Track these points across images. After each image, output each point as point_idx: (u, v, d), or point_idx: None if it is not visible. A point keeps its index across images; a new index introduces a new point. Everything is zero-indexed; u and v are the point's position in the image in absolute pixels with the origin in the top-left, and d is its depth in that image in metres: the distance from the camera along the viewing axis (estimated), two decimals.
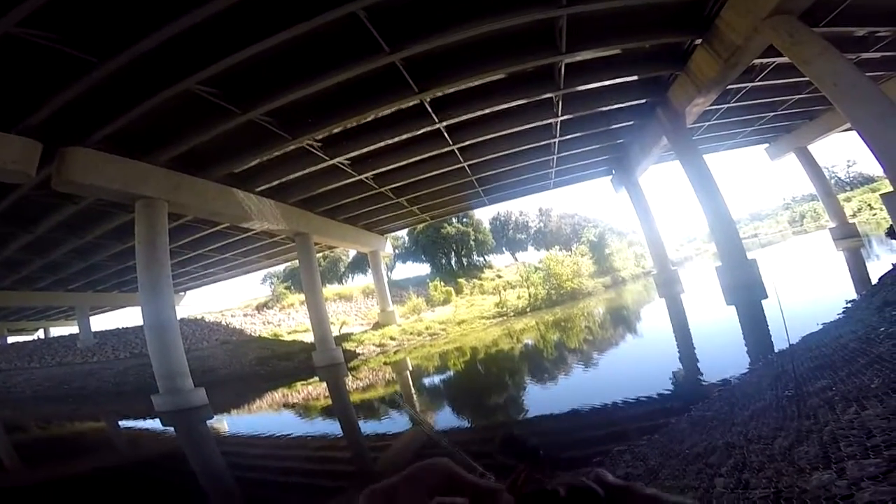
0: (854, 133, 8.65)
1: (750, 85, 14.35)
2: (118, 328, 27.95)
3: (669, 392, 6.14)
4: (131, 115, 9.15)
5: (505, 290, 28.02)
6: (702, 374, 6.54)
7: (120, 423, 12.97)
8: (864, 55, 13.37)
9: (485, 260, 38.70)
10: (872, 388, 3.13)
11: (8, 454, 9.46)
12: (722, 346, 7.71)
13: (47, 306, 28.19)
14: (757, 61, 12.08)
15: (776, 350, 6.10)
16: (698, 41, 11.04)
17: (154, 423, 11.00)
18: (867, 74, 9.31)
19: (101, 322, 32.23)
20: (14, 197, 11.76)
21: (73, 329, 30.11)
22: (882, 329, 4.58)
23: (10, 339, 35.27)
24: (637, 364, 8.50)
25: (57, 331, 36.76)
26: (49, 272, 20.43)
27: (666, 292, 18.46)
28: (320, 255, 27.03)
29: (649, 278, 24.74)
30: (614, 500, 0.35)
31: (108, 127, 9.45)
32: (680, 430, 4.55)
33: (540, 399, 7.71)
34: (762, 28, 9.16)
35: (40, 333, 38.76)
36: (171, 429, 10.56)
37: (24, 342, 32.20)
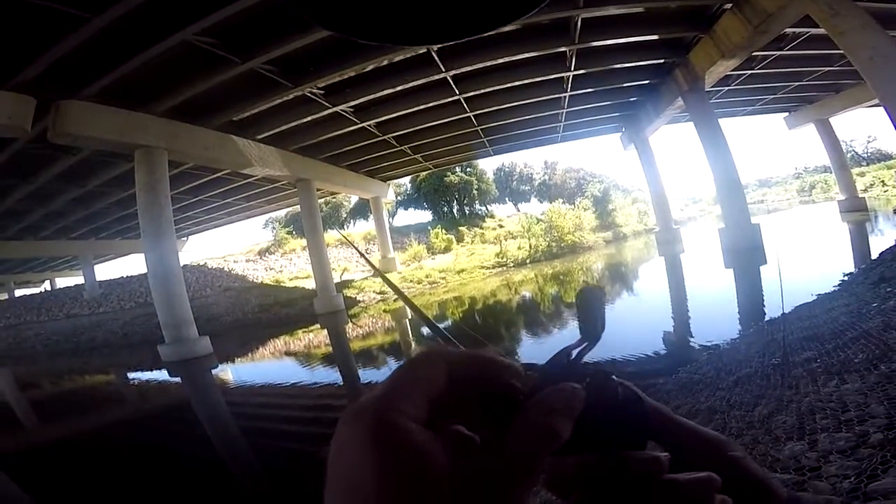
0: (878, 110, 8.43)
1: (778, 53, 13.75)
2: (123, 277, 28.25)
3: (660, 353, 6.35)
4: (126, 67, 8.89)
5: (506, 240, 28.16)
6: (693, 337, 6.73)
7: (129, 375, 13.29)
8: None
9: (487, 209, 38.56)
10: (855, 363, 3.26)
11: (24, 412, 9.78)
12: (715, 310, 7.87)
13: (51, 257, 28.24)
14: (789, 30, 11.56)
15: (768, 318, 6.24)
16: (728, 5, 10.52)
17: (161, 374, 11.29)
18: None
19: (106, 271, 32.80)
20: (11, 150, 11.60)
21: (78, 279, 30.29)
22: (874, 304, 4.68)
23: (18, 293, 35.90)
24: (631, 323, 8.68)
25: (63, 282, 37.05)
26: (51, 221, 20.41)
27: (667, 251, 18.58)
28: (322, 200, 26.89)
29: (651, 236, 24.79)
30: (640, 419, 0.28)
31: (104, 79, 9.22)
32: (666, 391, 4.76)
33: (533, 352, 7.99)
34: None
35: (46, 285, 38.95)
36: (178, 379, 10.82)
37: (32, 295, 32.64)
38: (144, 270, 12.64)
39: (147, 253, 11.80)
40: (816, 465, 2.02)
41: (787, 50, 13.48)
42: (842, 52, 9.78)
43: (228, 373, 10.75)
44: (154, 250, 11.59)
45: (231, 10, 7.91)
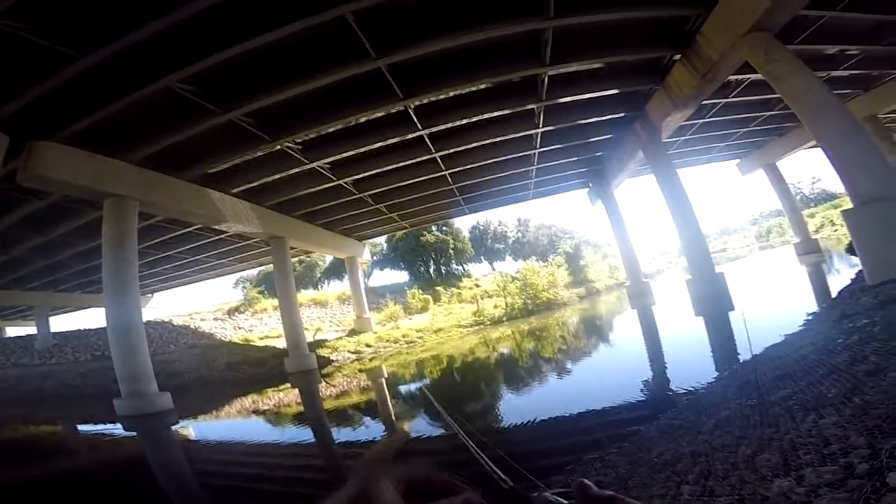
0: (819, 150, 9.05)
1: (724, 101, 14.87)
2: (79, 329, 26.75)
3: (639, 400, 6.26)
4: (107, 111, 8.86)
5: (482, 299, 28.20)
6: (670, 383, 6.70)
7: (79, 427, 12.44)
8: (834, 73, 13.99)
9: (463, 269, 38.84)
10: (829, 398, 3.27)
11: None
12: (690, 356, 7.92)
13: (2, 305, 26.65)
14: (732, 78, 12.51)
15: (741, 360, 6.29)
16: (678, 56, 11.39)
17: (115, 428, 10.57)
18: (835, 92, 9.77)
19: (63, 323, 30.67)
20: None
21: (30, 329, 28.61)
22: (839, 340, 4.79)
23: None
24: (609, 373, 8.64)
25: (13, 331, 34.80)
26: (7, 270, 19.35)
27: (638, 304, 18.88)
28: (296, 259, 26.58)
29: (622, 290, 25.26)
30: None
31: (82, 122, 9.14)
32: (649, 438, 4.64)
33: (514, 407, 7.74)
34: (739, 45, 9.50)
35: None
36: (133, 433, 10.19)
37: None
38: (103, 324, 11.96)
39: (108, 307, 11.24)
40: (807, 499, 1.95)
41: (733, 97, 14.55)
42: (779, 96, 10.54)
43: (190, 429, 10.06)
44: (116, 304, 11.08)
45: (215, 60, 8.05)
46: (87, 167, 10.27)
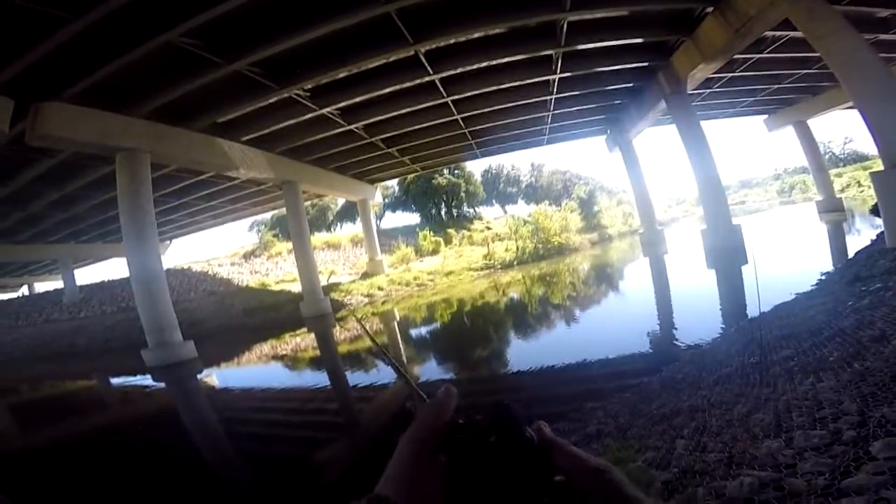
0: (854, 112, 8.66)
1: (758, 56, 14.02)
2: (104, 281, 27.61)
3: (644, 352, 6.43)
4: (109, 69, 8.74)
5: (493, 241, 28.25)
6: (676, 336, 6.83)
7: (111, 380, 12.97)
8: (883, 36, 13.08)
9: (475, 211, 38.65)
10: (830, 361, 3.34)
11: (2, 418, 9.55)
12: (698, 310, 8.00)
13: (29, 261, 27.44)
14: (769, 33, 11.83)
15: (749, 317, 6.36)
16: (710, 9, 10.67)
17: (145, 379, 11.06)
18: (881, 56, 9.18)
19: (87, 275, 31.72)
20: None
21: (57, 283, 29.49)
22: (849, 303, 4.81)
23: None
24: (616, 322, 8.82)
25: (41, 286, 36.12)
26: (29, 224, 19.90)
27: (651, 252, 18.83)
28: (308, 203, 26.66)
29: (636, 237, 25.11)
30: (544, 451, 0.38)
31: (85, 81, 9.06)
32: (651, 391, 4.83)
33: (521, 354, 8.04)
34: (779, 1, 8.94)
35: (24, 290, 38.22)
36: (162, 384, 10.63)
37: (9, 300, 31.76)
38: (126, 274, 12.39)
39: (129, 257, 11.59)
40: (792, 462, 2.07)
41: (767, 53, 13.75)
42: (819, 55, 10.02)
43: (214, 377, 10.61)
44: (137, 254, 11.40)
45: (218, 11, 7.81)
46: (94, 124, 10.30)
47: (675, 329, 7.28)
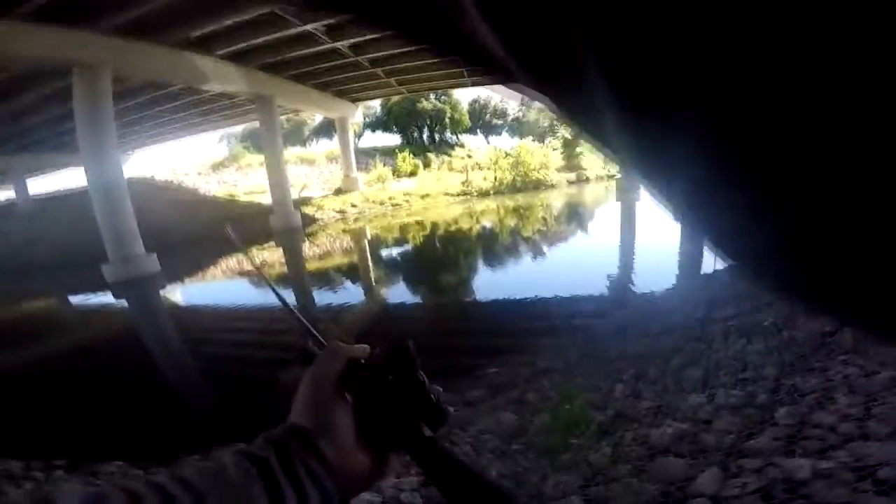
0: None
1: None
2: (59, 191, 25.62)
3: (600, 294, 6.78)
4: None
5: (473, 170, 27.97)
6: (633, 283, 7.18)
7: (70, 298, 12.03)
8: None
9: (457, 139, 37.75)
10: (764, 326, 3.64)
11: None
12: (659, 260, 8.26)
13: None
14: None
15: (706, 272, 6.68)
16: None
17: (106, 296, 10.40)
18: None
19: (43, 185, 28.88)
20: None
21: (9, 194, 26.81)
22: None
23: None
24: (579, 262, 9.17)
25: None
26: None
27: (624, 197, 19.09)
28: (283, 117, 25.06)
29: (612, 181, 25.26)
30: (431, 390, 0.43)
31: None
32: (601, 333, 5.18)
33: (483, 284, 8.33)
34: None
35: None
36: (123, 301, 10.02)
37: None
38: (85, 184, 11.46)
39: (88, 169, 10.81)
40: (709, 418, 2.32)
41: None
42: None
43: (178, 294, 10.45)
44: (95, 163, 10.64)
45: None
46: (48, 40, 9.21)
47: (634, 276, 7.61)
